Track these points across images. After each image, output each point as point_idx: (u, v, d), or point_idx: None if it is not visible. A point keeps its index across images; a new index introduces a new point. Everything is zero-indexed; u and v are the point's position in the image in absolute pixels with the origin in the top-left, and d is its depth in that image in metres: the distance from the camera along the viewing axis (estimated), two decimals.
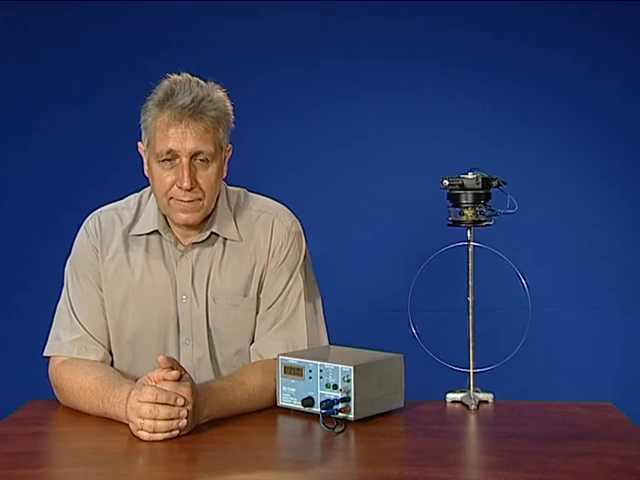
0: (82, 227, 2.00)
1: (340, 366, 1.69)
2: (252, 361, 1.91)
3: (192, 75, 1.87)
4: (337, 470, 1.50)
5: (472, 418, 1.77)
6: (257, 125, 3.26)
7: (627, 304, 3.29)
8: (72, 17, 3.28)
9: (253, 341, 1.94)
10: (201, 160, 1.83)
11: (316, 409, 1.70)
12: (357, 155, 3.31)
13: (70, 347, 1.90)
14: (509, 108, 3.28)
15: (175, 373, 1.65)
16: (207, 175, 1.84)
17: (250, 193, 2.04)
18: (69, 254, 2.03)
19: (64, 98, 3.28)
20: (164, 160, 1.82)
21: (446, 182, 1.84)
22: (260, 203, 2.01)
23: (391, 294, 2.64)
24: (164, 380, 1.64)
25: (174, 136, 1.80)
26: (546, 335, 3.11)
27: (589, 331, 3.27)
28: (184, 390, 1.64)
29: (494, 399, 1.84)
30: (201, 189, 1.84)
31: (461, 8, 3.25)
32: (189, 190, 1.82)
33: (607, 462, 1.46)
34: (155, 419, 1.60)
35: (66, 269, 2.02)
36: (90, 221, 1.99)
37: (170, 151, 1.81)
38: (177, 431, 1.61)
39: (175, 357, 1.81)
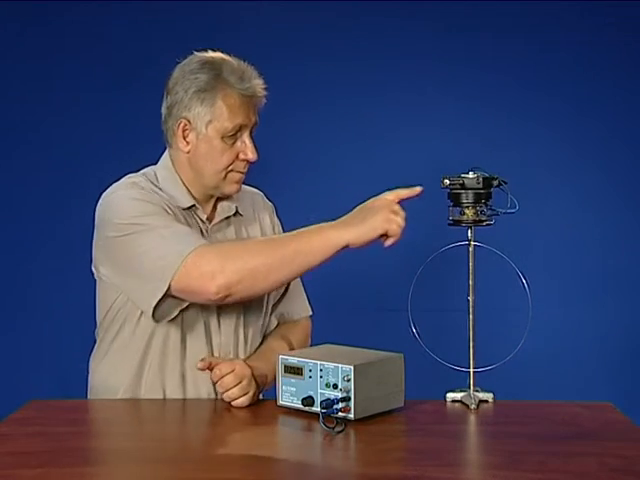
0: (129, 187, 1.90)
1: (340, 365, 1.69)
2: (277, 323, 2.09)
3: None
4: (337, 470, 1.50)
5: (472, 418, 1.76)
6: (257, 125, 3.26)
7: (627, 304, 3.29)
8: (72, 17, 3.28)
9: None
10: (251, 132, 1.95)
11: (316, 408, 1.70)
12: (357, 155, 3.31)
13: (197, 240, 1.80)
14: (509, 108, 3.28)
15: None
16: (254, 144, 1.96)
17: None
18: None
19: (64, 98, 3.28)
20: (230, 136, 1.90)
21: (447, 181, 1.84)
22: (247, 187, 2.13)
23: (391, 294, 2.64)
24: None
25: (244, 112, 1.90)
26: (546, 335, 3.11)
27: (589, 331, 3.27)
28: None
29: (494, 399, 1.84)
30: None
31: (461, 8, 3.25)
32: (254, 160, 1.94)
33: (607, 462, 1.46)
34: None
35: (141, 218, 1.83)
36: (133, 185, 1.90)
37: (240, 126, 1.90)
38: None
39: (202, 327, 1.90)
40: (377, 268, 3.26)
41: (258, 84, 1.93)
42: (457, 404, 1.83)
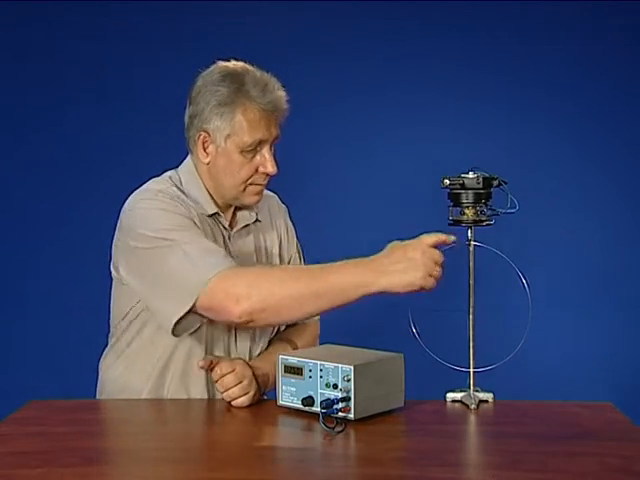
0: (154, 197, 1.87)
1: (340, 365, 1.69)
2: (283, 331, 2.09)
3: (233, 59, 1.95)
4: (337, 470, 1.50)
5: (472, 418, 1.76)
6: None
7: (626, 304, 3.29)
8: (72, 17, 3.28)
9: None
10: (272, 145, 1.93)
11: (316, 408, 1.70)
12: (357, 155, 3.32)
13: (224, 260, 1.77)
14: (510, 108, 3.28)
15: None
16: (274, 157, 1.95)
17: None
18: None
19: (64, 98, 3.28)
20: (249, 150, 1.89)
21: (447, 181, 1.84)
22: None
23: (391, 294, 2.64)
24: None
25: (264, 127, 1.88)
26: (546, 335, 3.11)
27: (589, 331, 3.27)
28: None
29: (494, 399, 1.84)
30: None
31: (461, 8, 3.25)
32: (274, 174, 1.93)
33: (607, 462, 1.46)
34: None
35: (172, 233, 1.80)
36: (160, 195, 1.87)
37: (260, 141, 1.89)
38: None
39: (226, 331, 1.92)
40: None
41: (280, 97, 1.90)
42: (457, 404, 1.83)
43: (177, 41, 3.26)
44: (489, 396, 1.84)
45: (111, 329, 2.01)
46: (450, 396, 1.85)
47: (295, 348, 2.03)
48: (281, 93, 1.90)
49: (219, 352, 1.92)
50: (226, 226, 1.97)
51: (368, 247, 3.39)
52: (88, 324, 3.15)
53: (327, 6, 3.28)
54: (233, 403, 1.80)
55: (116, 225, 1.94)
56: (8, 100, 3.29)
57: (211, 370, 1.83)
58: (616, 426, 1.69)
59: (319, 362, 1.72)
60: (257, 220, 2.04)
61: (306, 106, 3.30)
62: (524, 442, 1.58)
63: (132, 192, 1.96)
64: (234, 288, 1.71)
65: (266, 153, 1.91)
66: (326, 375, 1.70)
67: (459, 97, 3.28)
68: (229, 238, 1.97)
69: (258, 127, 1.87)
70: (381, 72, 3.29)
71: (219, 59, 1.96)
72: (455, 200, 1.85)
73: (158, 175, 2.00)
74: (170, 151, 3.04)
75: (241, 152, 1.89)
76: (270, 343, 2.04)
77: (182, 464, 1.49)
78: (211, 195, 1.96)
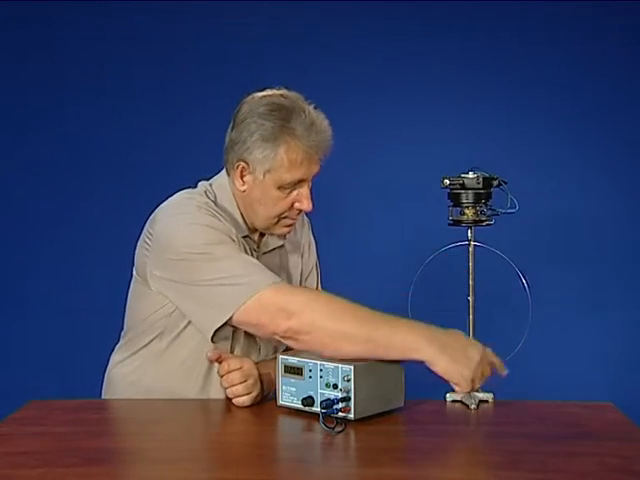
0: (197, 205, 1.84)
1: (340, 365, 1.68)
2: None
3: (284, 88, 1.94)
4: (337, 470, 1.50)
5: (472, 418, 1.76)
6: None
7: (627, 304, 3.29)
8: (72, 17, 3.28)
9: None
10: (310, 181, 1.91)
11: (316, 408, 1.70)
12: (357, 155, 3.31)
13: (273, 275, 1.77)
14: (509, 108, 3.28)
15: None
16: (311, 192, 1.92)
17: None
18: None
19: (64, 98, 3.28)
20: (288, 187, 1.86)
21: (447, 181, 1.84)
22: None
23: (391, 294, 2.64)
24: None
25: (306, 166, 1.85)
26: (546, 335, 3.11)
27: (589, 331, 3.27)
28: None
29: (494, 399, 1.84)
30: None
31: (461, 8, 3.25)
32: (309, 211, 1.91)
33: (607, 462, 1.46)
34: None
35: (211, 247, 1.79)
36: (202, 210, 1.84)
37: (300, 180, 1.86)
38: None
39: (255, 347, 1.91)
40: (377, 268, 3.27)
41: (326, 138, 1.88)
42: (457, 404, 1.83)
43: (177, 41, 3.26)
44: (489, 396, 1.84)
45: (126, 327, 2.00)
46: (450, 396, 1.85)
47: None
48: (327, 133, 1.88)
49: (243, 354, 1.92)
50: (255, 248, 1.96)
51: (368, 247, 3.41)
52: (88, 324, 3.16)
53: (327, 6, 3.28)
54: (234, 401, 1.80)
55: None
56: (8, 100, 3.29)
57: (219, 363, 1.84)
58: (616, 426, 1.69)
59: (319, 362, 1.72)
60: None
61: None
62: (524, 442, 1.58)
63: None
64: (288, 304, 1.71)
65: (304, 191, 1.88)
66: (326, 375, 1.70)
67: (459, 97, 3.28)
68: (257, 259, 1.93)
69: (300, 167, 1.84)
70: (381, 72, 3.29)
71: (269, 87, 1.93)
72: (455, 200, 1.85)
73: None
74: (171, 151, 3.07)
75: (279, 188, 1.86)
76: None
77: (182, 464, 1.49)
78: (242, 216, 1.95)
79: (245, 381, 1.81)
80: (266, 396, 1.87)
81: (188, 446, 1.58)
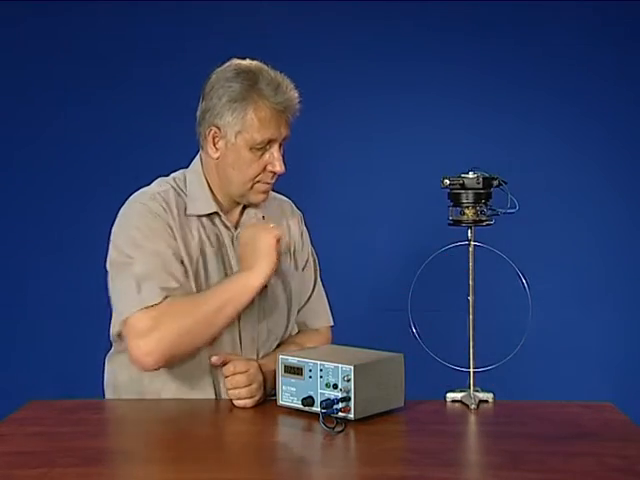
0: (141, 211, 1.92)
1: (340, 365, 1.69)
2: (297, 330, 2.11)
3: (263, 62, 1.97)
4: (337, 470, 1.50)
5: (472, 418, 1.76)
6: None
7: (627, 304, 3.29)
8: (72, 17, 3.28)
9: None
10: (281, 144, 1.94)
11: (316, 408, 1.70)
12: (357, 155, 3.31)
13: (161, 292, 1.84)
14: (509, 108, 3.28)
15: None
16: (282, 156, 1.96)
17: None
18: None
19: (65, 98, 3.28)
20: (258, 148, 1.90)
21: (447, 181, 1.84)
22: (277, 194, 2.15)
23: (391, 294, 2.64)
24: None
25: (275, 126, 1.89)
26: (546, 335, 3.11)
27: (589, 331, 3.27)
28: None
29: (494, 399, 1.84)
30: None
31: (461, 8, 3.25)
32: (281, 173, 1.94)
33: (607, 462, 1.46)
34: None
35: (125, 254, 1.89)
36: (151, 202, 1.92)
37: (270, 140, 1.90)
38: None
39: (235, 329, 1.92)
40: (377, 268, 3.27)
41: (292, 97, 1.92)
42: (457, 404, 1.83)
43: (177, 41, 3.26)
44: (489, 396, 1.84)
45: (111, 334, 2.02)
46: (450, 396, 1.85)
47: None
48: (293, 93, 1.93)
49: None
50: (228, 225, 1.98)
51: (368, 247, 3.41)
52: (88, 324, 3.15)
53: (327, 6, 3.28)
54: (236, 403, 1.80)
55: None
56: (8, 100, 3.29)
57: (223, 366, 1.84)
58: (616, 426, 1.69)
59: (319, 362, 1.72)
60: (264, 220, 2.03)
61: (306, 106, 3.31)
62: (524, 442, 1.58)
63: (135, 191, 2.00)
64: (139, 329, 1.82)
65: (275, 152, 1.92)
66: (326, 375, 1.70)
67: (459, 97, 3.28)
68: (232, 238, 1.97)
69: (269, 126, 1.89)
70: (381, 72, 3.29)
71: (235, 57, 1.98)
72: (455, 200, 1.85)
73: (164, 174, 2.04)
74: (172, 151, 3.05)
75: (250, 149, 1.90)
76: (279, 346, 2.03)
77: (182, 464, 1.49)
78: (215, 195, 1.98)
79: (249, 385, 1.81)
80: (269, 394, 1.87)
81: (188, 446, 1.58)
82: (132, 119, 3.21)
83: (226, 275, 1.94)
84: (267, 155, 1.92)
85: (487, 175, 1.84)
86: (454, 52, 3.27)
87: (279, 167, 1.92)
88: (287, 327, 2.05)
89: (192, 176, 2.00)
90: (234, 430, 1.69)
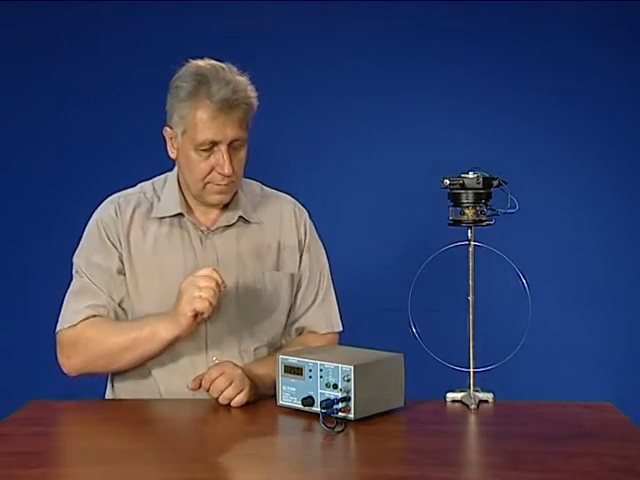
0: (99, 214, 2.01)
1: (340, 365, 1.69)
2: (294, 336, 2.08)
3: (214, 59, 1.95)
4: (337, 470, 1.50)
5: (472, 418, 1.76)
6: (258, 124, 3.25)
7: (627, 304, 3.29)
8: (71, 16, 3.28)
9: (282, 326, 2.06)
10: (235, 145, 1.90)
11: (316, 408, 1.70)
12: (357, 155, 3.31)
13: (88, 310, 1.95)
14: (510, 108, 3.28)
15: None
16: (240, 159, 1.93)
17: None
18: (76, 246, 2.04)
19: (66, 98, 3.28)
20: (203, 149, 1.88)
21: (447, 181, 1.84)
22: (275, 192, 2.15)
23: (391, 294, 2.64)
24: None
25: (216, 127, 1.86)
26: (546, 335, 3.11)
27: (589, 331, 3.27)
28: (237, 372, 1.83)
29: (494, 399, 1.84)
30: (234, 171, 1.91)
31: (461, 8, 3.25)
32: (228, 175, 1.90)
33: (607, 462, 1.46)
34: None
35: (77, 258, 2.01)
36: (108, 206, 2.01)
37: (212, 142, 1.87)
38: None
39: (202, 334, 1.93)
40: (377, 268, 3.27)
41: (241, 98, 1.87)
42: (457, 404, 1.83)
43: (177, 41, 3.26)
44: (489, 396, 1.84)
45: None
46: (450, 396, 1.85)
47: None
48: (244, 93, 1.88)
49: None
50: (198, 226, 1.97)
51: (368, 247, 3.41)
52: None
53: (327, 6, 3.28)
54: (231, 403, 1.80)
55: None
56: (8, 100, 3.29)
57: (199, 387, 1.84)
58: (616, 426, 1.69)
59: (319, 362, 1.72)
60: (245, 220, 2.01)
61: (305, 106, 3.31)
62: (524, 442, 1.58)
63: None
64: (64, 348, 1.97)
65: (223, 153, 1.88)
66: (326, 375, 1.70)
67: (459, 97, 3.28)
68: (201, 239, 1.97)
69: (210, 126, 1.86)
70: (381, 72, 3.29)
71: (212, 57, 1.98)
72: (455, 200, 1.85)
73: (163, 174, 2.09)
74: None
75: (195, 150, 1.89)
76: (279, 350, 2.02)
77: (182, 464, 1.49)
78: (184, 196, 2.00)
79: (231, 382, 1.80)
80: (265, 392, 1.87)
81: (188, 446, 1.59)
82: (132, 119, 3.21)
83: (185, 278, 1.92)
84: (214, 157, 1.89)
85: (487, 175, 1.84)
86: (454, 52, 3.27)
87: (226, 169, 1.88)
88: (275, 330, 2.02)
89: (171, 178, 2.04)
90: (234, 430, 1.69)
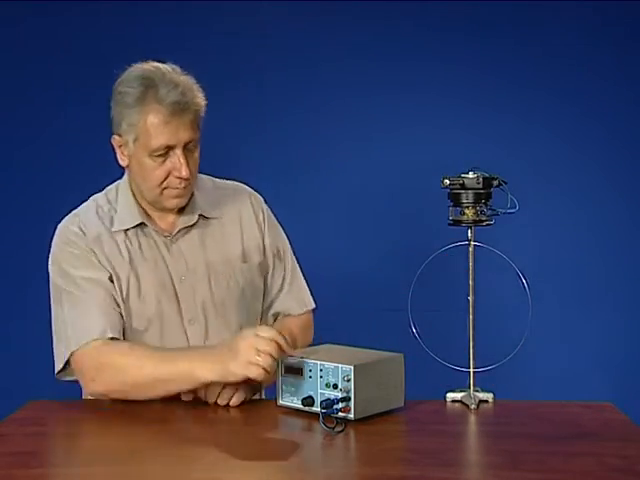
0: (62, 236, 1.95)
1: (340, 365, 1.68)
2: (271, 322, 2.08)
3: (157, 61, 1.92)
4: (337, 470, 1.50)
5: (472, 418, 1.76)
6: (258, 124, 3.26)
7: (627, 304, 3.29)
8: (71, 17, 3.28)
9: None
10: (189, 147, 1.87)
11: (316, 408, 1.70)
12: (357, 155, 3.32)
13: (98, 332, 1.84)
14: (509, 108, 3.28)
15: None
16: (195, 159, 1.90)
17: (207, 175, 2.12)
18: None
19: (66, 97, 3.28)
20: (157, 155, 1.84)
21: (447, 181, 1.84)
22: (227, 183, 2.12)
23: (391, 294, 2.64)
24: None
25: (169, 131, 1.82)
26: (546, 335, 3.11)
27: (589, 331, 3.27)
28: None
29: (494, 399, 1.84)
30: (191, 173, 1.88)
31: (461, 8, 3.25)
32: (187, 178, 1.86)
33: (607, 462, 1.46)
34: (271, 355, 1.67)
35: (62, 279, 1.91)
36: (70, 227, 1.95)
37: (167, 146, 1.83)
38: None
39: (183, 339, 1.93)
40: (377, 268, 3.27)
41: (191, 98, 1.83)
42: (457, 404, 1.83)
43: (177, 41, 3.26)
44: (489, 396, 1.84)
45: None
46: (450, 396, 1.85)
47: (291, 333, 2.02)
48: (193, 94, 1.84)
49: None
50: (160, 232, 1.95)
51: (368, 247, 3.41)
52: None
53: (327, 6, 3.28)
54: (230, 404, 1.80)
55: None
56: (8, 100, 3.29)
57: (196, 395, 1.82)
58: (616, 426, 1.69)
59: (319, 362, 1.72)
60: (204, 217, 1.99)
61: (305, 106, 3.31)
62: (524, 442, 1.58)
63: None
64: (85, 370, 1.83)
65: (179, 157, 1.84)
66: (326, 375, 1.70)
67: (459, 97, 3.28)
68: (166, 244, 1.95)
69: (163, 131, 1.81)
70: (381, 72, 3.29)
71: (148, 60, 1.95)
72: (455, 200, 1.85)
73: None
74: None
75: (150, 156, 1.84)
76: None
77: (182, 464, 1.49)
78: (140, 204, 1.95)
79: (224, 386, 1.79)
80: (260, 388, 1.87)
81: (187, 446, 1.58)
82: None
83: (164, 285, 1.91)
84: (171, 160, 1.85)
85: (487, 175, 1.84)
86: (454, 52, 3.27)
87: (184, 172, 1.84)
88: (253, 319, 2.04)
89: (122, 187, 1.99)
90: (234, 430, 1.69)
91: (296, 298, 2.13)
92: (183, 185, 1.88)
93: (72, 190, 3.26)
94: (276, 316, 2.12)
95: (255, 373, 1.67)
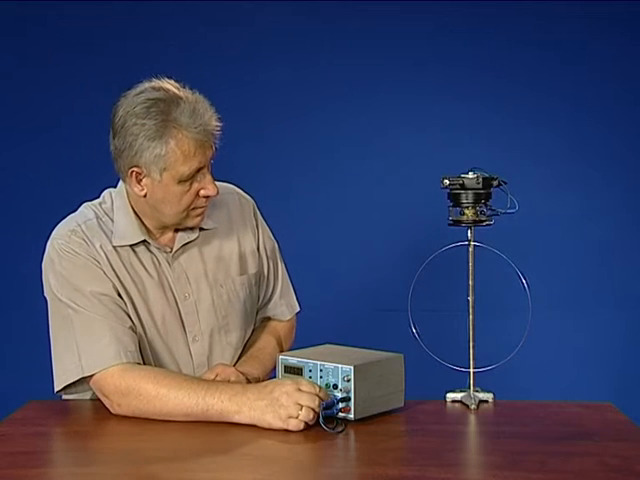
0: (63, 246, 1.86)
1: (340, 366, 1.68)
2: (258, 324, 2.10)
3: (174, 80, 1.85)
4: (337, 470, 1.50)
5: (472, 418, 1.76)
6: (257, 126, 3.26)
7: (627, 304, 3.29)
8: (72, 17, 3.28)
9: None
10: (208, 166, 1.85)
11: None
12: (357, 155, 3.32)
13: (117, 355, 1.79)
14: (509, 108, 3.28)
15: None
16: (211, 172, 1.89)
17: None
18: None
19: (67, 97, 3.28)
20: (188, 179, 1.80)
21: (447, 182, 1.84)
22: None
23: (391, 294, 2.64)
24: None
25: (200, 154, 1.79)
26: (546, 335, 3.11)
27: (589, 331, 3.27)
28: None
29: (494, 399, 1.84)
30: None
31: (461, 9, 3.25)
32: (215, 194, 1.86)
33: (607, 462, 1.46)
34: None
35: (65, 293, 1.83)
36: (72, 237, 1.87)
37: (198, 169, 1.81)
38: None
39: (187, 356, 1.92)
40: (377, 268, 3.27)
41: (211, 120, 1.79)
42: (457, 404, 1.83)
43: (177, 41, 3.26)
44: (489, 396, 1.84)
45: None
46: (450, 396, 1.85)
47: (278, 339, 2.06)
48: (210, 114, 1.80)
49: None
50: (162, 249, 1.92)
51: (368, 247, 3.41)
52: None
53: (327, 6, 3.28)
54: None
55: None
56: (8, 100, 3.29)
57: None
58: (616, 426, 1.69)
59: (319, 362, 1.72)
60: (203, 229, 1.97)
61: (305, 106, 3.31)
62: (524, 442, 1.58)
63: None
64: (109, 393, 1.77)
65: (206, 176, 1.83)
66: (326, 375, 1.70)
67: (460, 97, 3.28)
68: (167, 260, 1.92)
69: (194, 156, 1.78)
70: (381, 72, 3.29)
71: (162, 76, 1.87)
72: (455, 200, 1.85)
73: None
74: None
75: (179, 183, 1.80)
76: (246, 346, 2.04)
77: (181, 464, 1.49)
78: (142, 221, 1.90)
79: (227, 382, 1.80)
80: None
81: (188, 446, 1.58)
82: None
83: (168, 302, 1.89)
84: (196, 182, 1.82)
85: (487, 175, 1.84)
86: (454, 52, 3.27)
87: (212, 190, 1.83)
88: (251, 326, 2.06)
89: (119, 201, 1.92)
90: (233, 430, 1.69)
91: (287, 303, 2.14)
92: (206, 203, 1.87)
93: (72, 191, 3.27)
94: (264, 320, 2.13)
95: (296, 427, 1.63)
